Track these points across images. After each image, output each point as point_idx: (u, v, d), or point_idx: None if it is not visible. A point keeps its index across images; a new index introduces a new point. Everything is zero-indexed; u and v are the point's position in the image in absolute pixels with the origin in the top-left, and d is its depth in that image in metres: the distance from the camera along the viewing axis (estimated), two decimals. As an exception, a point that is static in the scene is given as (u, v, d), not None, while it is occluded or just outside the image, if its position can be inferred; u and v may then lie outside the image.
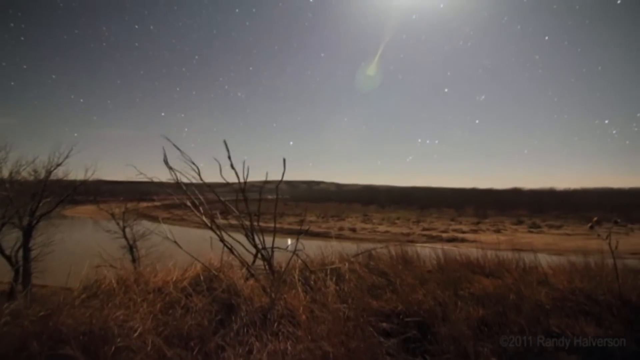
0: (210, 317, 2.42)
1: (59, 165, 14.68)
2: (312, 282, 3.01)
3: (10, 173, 14.13)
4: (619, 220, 3.03)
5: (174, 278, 3.12)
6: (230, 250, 3.38)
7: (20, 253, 13.06)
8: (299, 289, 2.85)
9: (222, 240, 3.44)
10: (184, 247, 3.58)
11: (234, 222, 3.70)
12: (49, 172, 14.45)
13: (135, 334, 2.13)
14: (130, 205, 18.97)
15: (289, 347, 2.10)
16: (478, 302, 2.64)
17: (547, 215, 49.65)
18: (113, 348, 2.03)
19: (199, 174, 3.77)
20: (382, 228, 39.71)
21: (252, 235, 3.46)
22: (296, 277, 3.12)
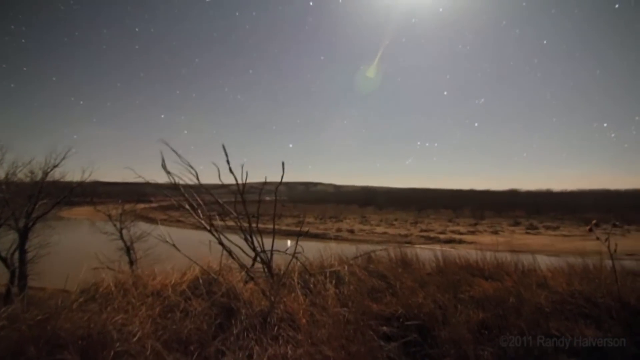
0: (210, 321, 2.41)
1: (55, 166, 14.62)
2: (311, 285, 3.00)
3: (7, 174, 14.05)
4: (617, 223, 3.04)
5: (173, 281, 3.10)
6: (230, 253, 3.37)
7: (16, 255, 12.97)
8: (299, 292, 2.84)
9: (221, 243, 3.43)
10: (182, 249, 3.56)
11: (231, 223, 3.69)
12: (45, 174, 14.38)
13: (135, 339, 2.11)
14: (127, 206, 18.91)
15: (289, 351, 2.09)
16: (478, 305, 2.64)
17: (544, 216, 49.89)
18: (112, 353, 2.01)
19: (197, 178, 3.76)
20: (380, 229, 39.75)
21: (251, 238, 3.45)
22: (295, 280, 3.11)
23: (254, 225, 3.53)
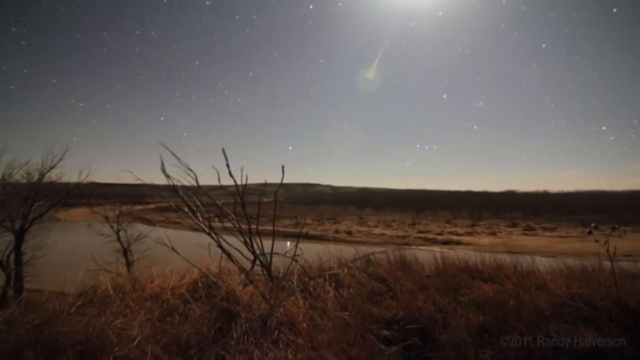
0: (210, 325, 2.40)
1: (52, 167, 14.51)
2: (311, 289, 3.00)
3: (3, 176, 13.94)
4: (616, 226, 3.06)
5: (171, 284, 3.09)
6: (229, 256, 3.36)
7: (12, 257, 12.87)
8: (298, 296, 2.83)
9: (220, 246, 3.41)
10: (180, 252, 3.55)
11: (230, 225, 3.67)
12: (42, 175, 14.28)
13: (134, 343, 2.10)
14: (124, 208, 18.80)
15: (290, 356, 2.08)
16: (478, 308, 2.64)
17: (541, 217, 50.02)
18: (111, 357, 2.00)
19: (197, 181, 3.75)
20: (377, 231, 39.73)
21: (251, 241, 3.44)
22: (295, 283, 3.11)
23: (253, 227, 3.52)
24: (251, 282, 3.16)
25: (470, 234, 36.48)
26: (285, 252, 3.44)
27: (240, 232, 3.51)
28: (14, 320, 2.29)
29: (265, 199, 4.32)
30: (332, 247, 4.04)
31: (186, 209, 3.72)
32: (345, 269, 3.43)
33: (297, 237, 3.66)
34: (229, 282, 2.98)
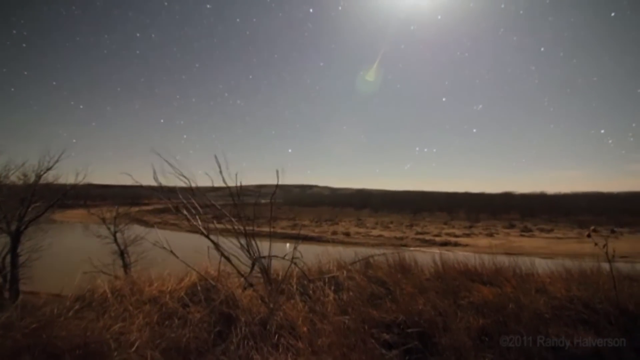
0: (209, 329, 2.38)
1: (49, 169, 14.41)
2: (310, 292, 2.99)
3: (-1, 177, 13.84)
4: (615, 229, 3.07)
5: (170, 287, 3.06)
6: (228, 260, 3.34)
7: (8, 259, 12.77)
8: (298, 299, 2.82)
9: (219, 249, 3.39)
10: (177, 253, 3.53)
11: (228, 226, 3.66)
12: (38, 176, 14.18)
13: (133, 348, 2.08)
14: (121, 209, 18.70)
15: (290, 360, 2.07)
16: (478, 312, 2.64)
17: (538, 219, 50.21)
18: (110, 362, 1.98)
19: (192, 188, 3.75)
20: (375, 232, 39.74)
21: (248, 246, 3.42)
22: (294, 286, 3.10)
23: (250, 228, 3.50)
24: (250, 285, 3.14)
25: (467, 235, 36.55)
26: (285, 255, 3.43)
27: (237, 236, 3.49)
28: (11, 325, 2.27)
29: (263, 201, 4.32)
30: (330, 249, 4.03)
31: (185, 212, 3.70)
32: (345, 272, 3.43)
33: (295, 238, 3.65)
34: (228, 286, 2.96)
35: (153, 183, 4.06)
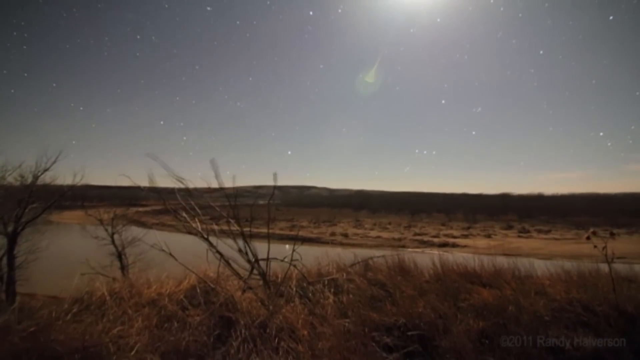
0: (209, 332, 2.37)
1: (46, 170, 14.35)
2: (310, 294, 2.98)
3: (-4, 178, 13.77)
4: (614, 232, 3.08)
5: (169, 290, 3.04)
6: (227, 263, 3.32)
7: (4, 260, 12.70)
8: (297, 302, 2.81)
9: (218, 252, 3.38)
10: (175, 254, 3.51)
11: (226, 227, 3.65)
12: (36, 177, 14.12)
13: (132, 352, 2.06)
14: (119, 210, 18.63)
15: (290, 364, 2.06)
16: (478, 314, 2.63)
17: (536, 220, 50.45)
18: (109, 367, 1.96)
19: (189, 189, 3.74)
20: (373, 233, 39.78)
21: (246, 249, 3.41)
22: (293, 289, 3.08)
23: (247, 230, 3.49)
24: (249, 288, 3.13)
25: (465, 236, 36.65)
26: (284, 258, 3.42)
27: (235, 238, 3.48)
28: (8, 328, 2.25)
29: (261, 202, 4.32)
30: (329, 251, 4.03)
31: (184, 214, 3.68)
32: (344, 274, 3.42)
33: (293, 239, 3.65)
34: (227, 288, 2.95)
35: (154, 183, 4.06)
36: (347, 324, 2.39)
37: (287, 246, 3.67)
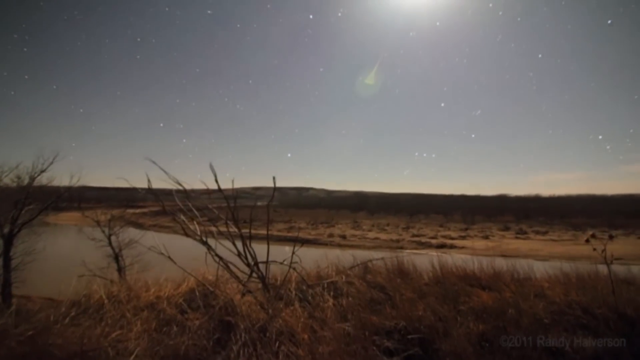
0: (208, 336, 2.35)
1: (43, 171, 14.28)
2: (309, 297, 2.97)
3: (-7, 179, 13.69)
4: (613, 235, 3.10)
5: (167, 293, 3.03)
6: (226, 266, 3.31)
7: (0, 262, 12.61)
8: (297, 305, 2.80)
9: (216, 255, 3.36)
10: (173, 257, 3.49)
11: (224, 229, 3.64)
12: (32, 179, 14.04)
13: (132, 356, 2.04)
14: (116, 212, 18.55)
15: (290, 368, 2.05)
16: (478, 317, 2.63)
17: (533, 221, 50.59)
18: (108, 371, 1.94)
19: (186, 190, 3.72)
20: (371, 234, 39.76)
21: (245, 253, 3.40)
22: (293, 291, 3.07)
23: (246, 231, 3.48)
24: (249, 291, 3.11)
25: (463, 237, 36.69)
26: (283, 261, 3.40)
27: (234, 241, 3.47)
28: (6, 332, 2.22)
29: (259, 203, 4.31)
30: (328, 253, 4.02)
31: (182, 217, 3.67)
32: (343, 277, 3.41)
33: (291, 241, 3.64)
34: (226, 292, 2.94)
35: (151, 185, 4.04)
36: (347, 328, 2.38)
37: (286, 248, 3.66)
